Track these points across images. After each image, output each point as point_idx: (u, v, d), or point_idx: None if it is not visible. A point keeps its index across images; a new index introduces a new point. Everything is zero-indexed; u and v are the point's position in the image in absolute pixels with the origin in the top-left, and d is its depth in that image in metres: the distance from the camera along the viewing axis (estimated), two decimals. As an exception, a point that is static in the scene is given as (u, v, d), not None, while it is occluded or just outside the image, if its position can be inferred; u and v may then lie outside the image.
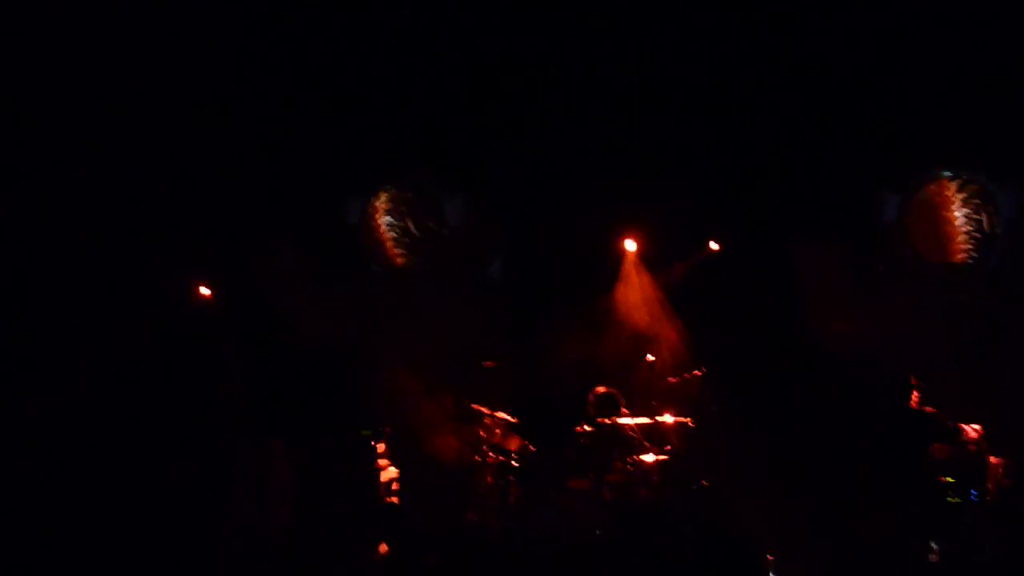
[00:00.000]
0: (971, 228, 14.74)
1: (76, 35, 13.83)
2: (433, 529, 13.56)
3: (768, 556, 12.12)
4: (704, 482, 13.25)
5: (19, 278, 14.06)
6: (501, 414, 13.87)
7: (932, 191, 14.90)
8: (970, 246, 14.73)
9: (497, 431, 13.82)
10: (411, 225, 15.55)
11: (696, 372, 13.81)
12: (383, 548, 13.74)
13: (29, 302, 14.07)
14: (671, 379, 13.85)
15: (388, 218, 15.54)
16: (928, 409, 12.90)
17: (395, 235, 15.55)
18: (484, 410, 13.84)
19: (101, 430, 13.82)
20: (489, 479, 13.60)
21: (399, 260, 15.56)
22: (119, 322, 14.11)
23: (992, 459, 12.89)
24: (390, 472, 14.10)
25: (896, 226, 14.89)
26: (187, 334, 14.40)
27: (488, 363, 14.13)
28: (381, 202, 15.60)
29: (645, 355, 14.01)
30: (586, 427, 13.64)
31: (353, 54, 14.95)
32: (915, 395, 12.93)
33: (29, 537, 12.50)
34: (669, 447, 13.51)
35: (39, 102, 13.96)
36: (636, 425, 13.52)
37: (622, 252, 15.29)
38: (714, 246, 15.00)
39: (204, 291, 14.81)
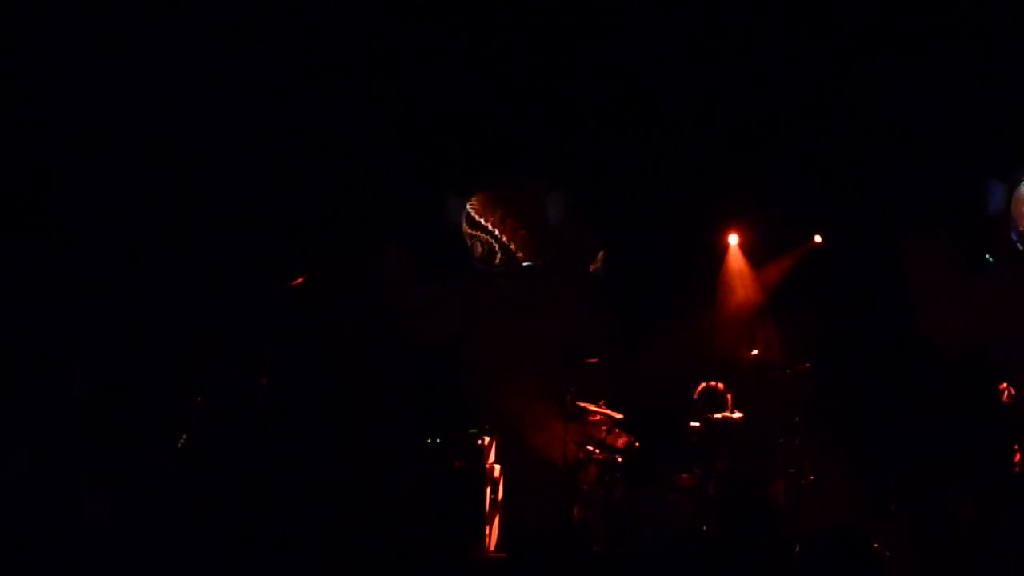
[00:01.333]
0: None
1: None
2: (540, 527, 13.63)
3: (885, 553, 12.13)
4: (811, 477, 13.22)
5: (129, 272, 14.25)
6: (607, 410, 13.90)
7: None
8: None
9: (603, 428, 13.85)
10: (512, 222, 15.61)
11: (802, 367, 13.76)
12: (491, 545, 13.87)
13: (134, 296, 14.26)
14: (776, 374, 13.80)
15: (489, 216, 15.61)
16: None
17: (496, 233, 15.62)
18: (590, 407, 13.88)
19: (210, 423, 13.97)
20: (595, 476, 13.64)
21: (501, 258, 15.62)
22: (222, 321, 14.27)
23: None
24: (496, 470, 14.20)
25: (1003, 216, 14.73)
26: (289, 333, 14.53)
27: (592, 360, 14.16)
28: (482, 200, 15.67)
29: (750, 350, 13.97)
30: (692, 423, 13.65)
31: (454, 51, 15.00)
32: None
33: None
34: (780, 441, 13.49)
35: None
36: (742, 420, 13.51)
37: (725, 246, 15.28)
38: (818, 239, 14.94)
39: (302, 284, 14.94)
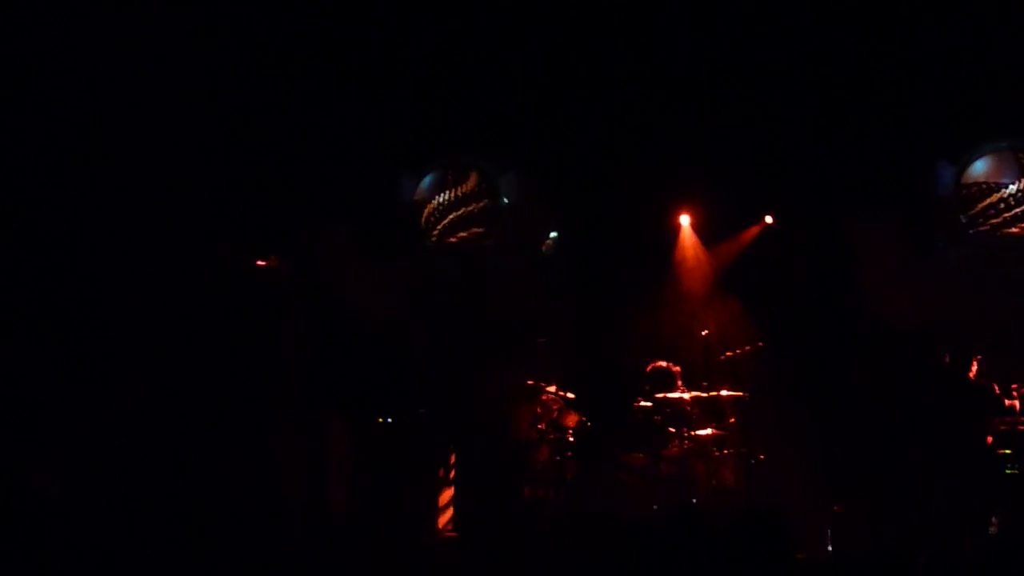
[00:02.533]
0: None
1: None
2: (491, 506, 13.64)
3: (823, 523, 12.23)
4: (761, 456, 13.26)
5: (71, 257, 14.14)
6: (557, 390, 13.90)
7: (987, 162, 14.84)
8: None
9: (554, 408, 13.85)
10: (465, 202, 15.58)
11: (751, 346, 13.81)
12: (443, 522, 13.87)
13: (84, 281, 14.15)
14: (727, 353, 13.84)
15: (442, 195, 15.59)
16: (984, 381, 12.86)
17: (449, 213, 15.59)
18: (541, 387, 13.88)
19: (157, 408, 13.89)
20: (546, 456, 13.66)
21: (453, 238, 15.60)
22: (178, 300, 14.18)
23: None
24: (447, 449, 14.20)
25: (952, 197, 14.84)
26: (246, 313, 14.45)
27: (544, 340, 14.16)
28: (435, 180, 15.64)
29: (701, 330, 14.00)
30: (643, 402, 13.68)
31: (406, 31, 14.94)
32: (975, 367, 12.88)
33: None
34: (730, 421, 13.54)
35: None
36: (693, 399, 13.55)
37: (677, 226, 15.30)
38: (769, 220, 14.99)
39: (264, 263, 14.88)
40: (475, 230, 15.60)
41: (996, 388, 12.77)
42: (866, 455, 13.70)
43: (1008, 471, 12.77)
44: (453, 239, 15.61)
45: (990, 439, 12.70)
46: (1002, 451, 12.76)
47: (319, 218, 14.57)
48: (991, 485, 12.60)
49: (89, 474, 12.74)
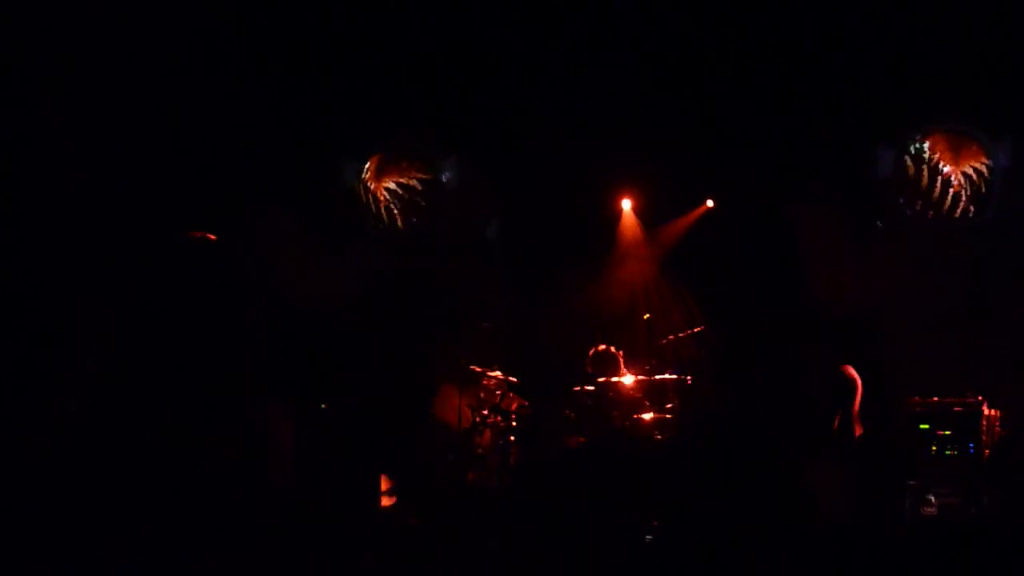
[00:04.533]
0: (966, 181, 14.76)
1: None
2: (434, 490, 13.62)
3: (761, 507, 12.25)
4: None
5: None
6: (500, 374, 13.90)
7: (927, 144, 14.93)
8: (966, 200, 14.75)
9: (497, 392, 13.85)
10: (406, 187, 15.55)
11: (693, 330, 13.85)
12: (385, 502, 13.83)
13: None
14: (670, 336, 13.87)
15: (383, 180, 15.54)
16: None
17: (390, 197, 15.56)
18: (484, 371, 13.88)
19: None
20: (489, 440, 13.65)
21: (394, 222, 15.56)
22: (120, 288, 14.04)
23: (988, 411, 12.97)
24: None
25: (892, 180, 14.91)
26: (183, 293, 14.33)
27: (486, 324, 14.16)
28: (375, 164, 15.59)
29: (643, 313, 14.03)
30: (585, 386, 13.69)
31: (345, 14, 14.87)
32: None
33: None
34: (669, 405, 13.57)
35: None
36: (635, 383, 13.57)
37: (618, 210, 15.32)
38: (710, 203, 15.03)
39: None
40: (416, 215, 15.58)
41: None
42: (806, 436, 13.74)
43: (947, 453, 12.87)
44: (394, 224, 15.57)
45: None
46: (941, 432, 12.87)
47: (260, 203, 14.47)
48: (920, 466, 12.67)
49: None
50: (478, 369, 13.83)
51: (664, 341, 13.79)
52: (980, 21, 14.17)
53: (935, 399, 13.09)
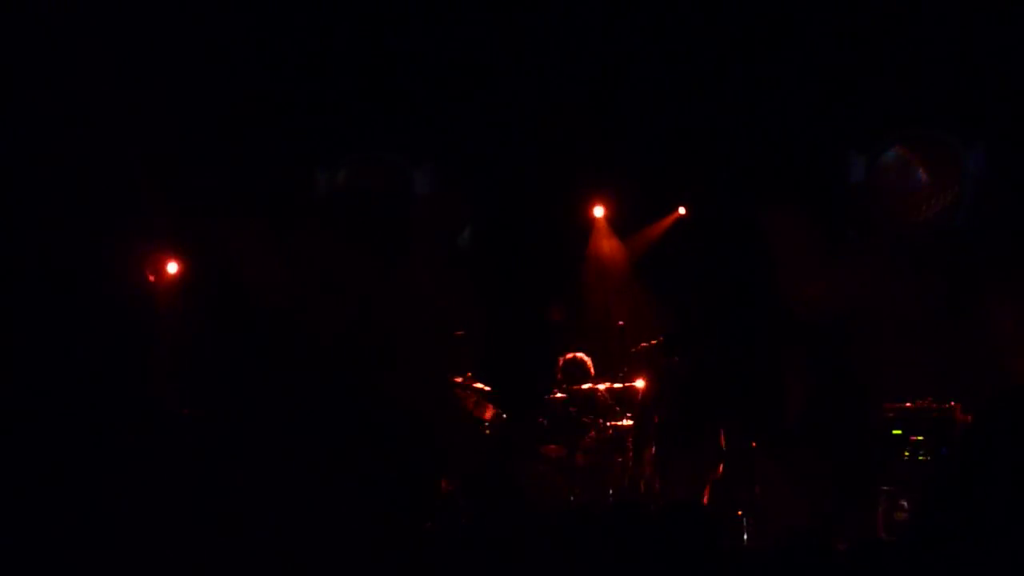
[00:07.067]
0: (938, 188, 14.78)
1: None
2: (409, 499, 13.57)
3: (738, 513, 12.25)
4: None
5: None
6: (474, 383, 13.87)
7: (899, 151, 14.94)
8: (937, 207, 14.76)
9: (470, 400, 13.83)
10: (378, 195, 15.56)
11: (661, 338, 13.83)
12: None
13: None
14: (642, 344, 13.85)
15: (355, 189, 15.54)
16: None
17: (362, 207, 15.55)
18: (456, 379, 13.85)
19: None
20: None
21: (368, 231, 15.54)
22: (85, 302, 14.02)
23: (961, 416, 12.96)
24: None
25: (863, 187, 14.93)
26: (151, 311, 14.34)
27: (459, 332, 14.14)
28: (355, 172, 15.59)
29: (616, 321, 14.02)
30: (558, 394, 13.67)
31: (318, 25, 14.87)
32: None
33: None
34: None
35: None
36: (608, 390, 13.55)
37: (591, 218, 15.33)
38: (682, 211, 15.05)
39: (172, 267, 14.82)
40: (391, 223, 15.57)
41: None
42: (778, 441, 13.75)
43: (920, 458, 12.86)
44: (369, 232, 15.56)
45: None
46: (914, 437, 12.86)
47: (230, 213, 14.47)
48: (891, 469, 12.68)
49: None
50: (451, 378, 13.81)
51: (635, 349, 13.77)
52: (952, 27, 14.18)
53: (908, 404, 13.08)
